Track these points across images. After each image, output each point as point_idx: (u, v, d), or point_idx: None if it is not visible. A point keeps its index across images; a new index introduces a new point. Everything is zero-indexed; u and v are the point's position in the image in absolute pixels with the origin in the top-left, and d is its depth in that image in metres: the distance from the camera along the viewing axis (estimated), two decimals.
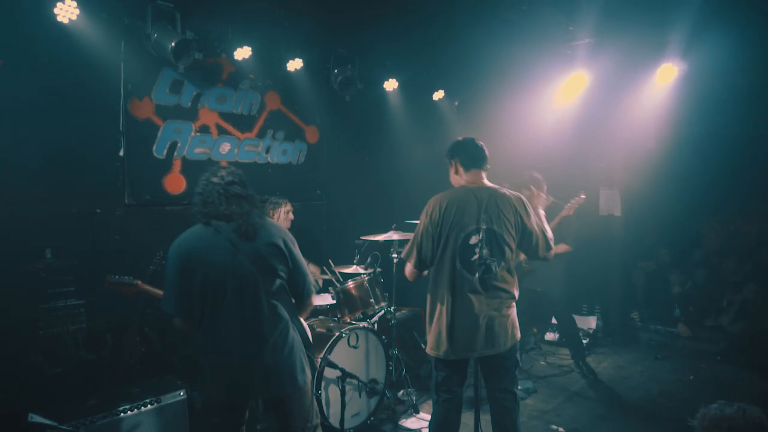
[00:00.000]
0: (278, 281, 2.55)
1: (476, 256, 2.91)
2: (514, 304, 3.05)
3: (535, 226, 3.04)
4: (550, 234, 3.10)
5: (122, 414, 3.07)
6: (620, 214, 6.45)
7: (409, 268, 3.12)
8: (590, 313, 6.49)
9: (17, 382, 3.50)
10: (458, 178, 3.11)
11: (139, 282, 3.59)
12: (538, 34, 5.27)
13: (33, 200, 3.77)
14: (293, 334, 2.59)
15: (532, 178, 4.63)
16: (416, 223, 5.48)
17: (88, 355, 3.99)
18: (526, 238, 3.02)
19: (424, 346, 5.07)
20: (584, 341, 6.01)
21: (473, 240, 2.92)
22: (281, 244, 2.56)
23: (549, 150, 6.11)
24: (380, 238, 4.57)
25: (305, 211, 5.60)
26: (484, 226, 2.92)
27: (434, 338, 3.02)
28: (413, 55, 5.97)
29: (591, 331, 6.28)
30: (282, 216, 4.62)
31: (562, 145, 6.24)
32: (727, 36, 4.67)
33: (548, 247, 3.07)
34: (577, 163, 6.48)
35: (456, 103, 7.02)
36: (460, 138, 3.19)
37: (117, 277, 3.54)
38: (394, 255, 4.59)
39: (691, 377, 5.21)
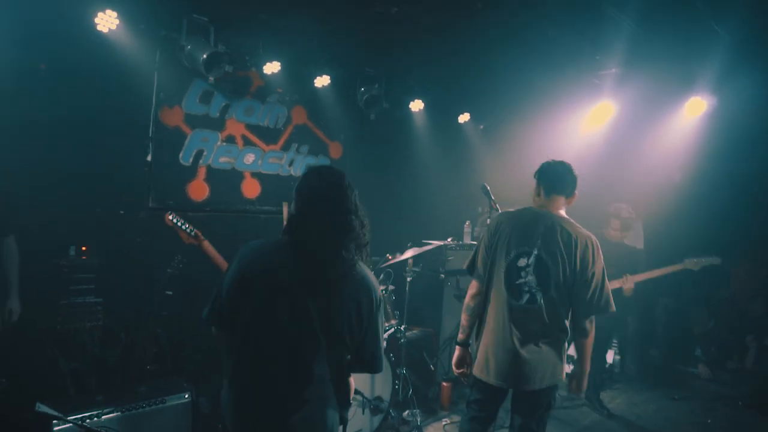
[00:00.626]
0: (342, 353, 2.05)
1: (522, 280, 2.80)
2: (559, 342, 2.83)
3: (599, 277, 2.78)
4: (608, 291, 2.81)
5: (126, 411, 3.13)
6: (642, 246, 6.32)
7: (472, 283, 3.03)
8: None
9: (32, 374, 3.61)
10: (536, 199, 2.98)
11: (200, 235, 3.58)
12: (565, 62, 5.29)
13: (61, 198, 3.92)
14: (331, 391, 2.06)
15: (616, 211, 4.62)
16: (433, 243, 5.51)
17: (103, 353, 4.09)
18: (582, 285, 2.76)
19: (433, 368, 5.07)
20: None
21: (522, 262, 2.81)
22: (363, 306, 2.01)
23: None
24: (396, 258, 4.58)
25: None
26: (535, 252, 2.79)
27: (473, 354, 3.00)
28: (440, 78, 6.04)
29: (607, 366, 6.11)
30: None
31: (587, 174, 6.16)
32: (759, 74, 4.61)
33: (605, 306, 2.79)
34: (602, 194, 6.40)
35: (481, 127, 7.05)
36: (551, 160, 3.02)
37: (178, 219, 3.57)
38: (408, 273, 4.59)
39: (709, 420, 5.02)
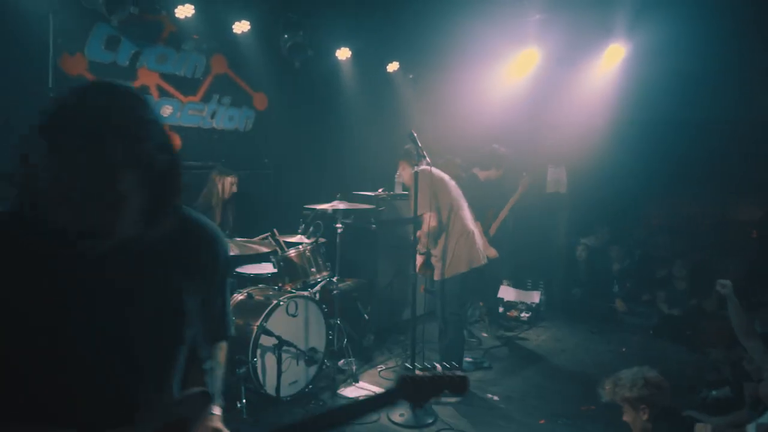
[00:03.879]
0: None
1: None
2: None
3: None
4: None
5: None
6: (566, 191, 6.59)
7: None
8: (534, 287, 6.64)
9: None
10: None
11: None
12: (491, 7, 5.25)
13: None
14: None
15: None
16: (363, 194, 5.50)
17: None
18: None
19: (367, 318, 5.13)
20: (527, 315, 6.18)
21: None
22: None
23: (500, 126, 6.14)
24: (326, 207, 4.51)
25: (252, 180, 5.47)
26: None
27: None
28: (367, 25, 5.85)
29: (534, 306, 6.43)
30: (227, 187, 4.70)
31: (512, 121, 6.30)
32: (670, 19, 4.76)
33: None
34: (527, 139, 6.56)
35: (411, 76, 6.95)
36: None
37: None
38: (338, 225, 4.55)
39: (624, 349, 5.43)
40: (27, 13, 3.84)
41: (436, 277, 4.21)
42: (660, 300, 6.18)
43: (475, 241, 4.24)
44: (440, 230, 4.15)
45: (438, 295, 4.25)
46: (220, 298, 1.38)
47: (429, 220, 4.05)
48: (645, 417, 2.53)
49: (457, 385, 1.43)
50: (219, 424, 1.31)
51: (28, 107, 4.04)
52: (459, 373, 1.44)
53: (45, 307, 1.07)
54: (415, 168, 3.83)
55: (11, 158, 1.06)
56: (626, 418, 2.66)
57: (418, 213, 3.95)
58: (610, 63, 5.64)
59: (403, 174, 4.41)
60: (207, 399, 1.28)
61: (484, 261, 4.29)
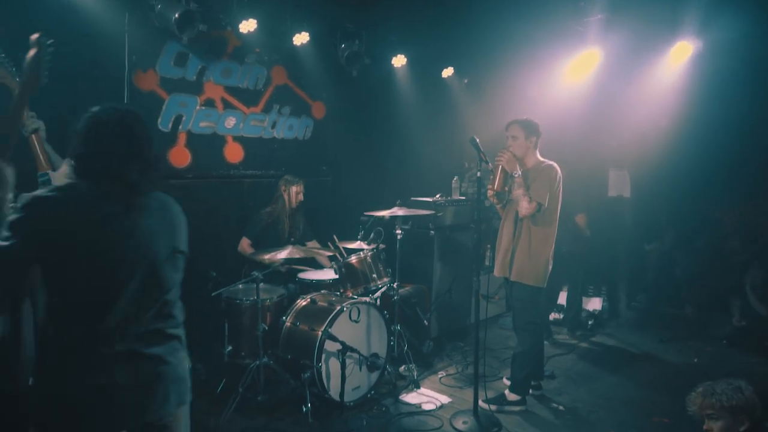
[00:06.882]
0: None
1: None
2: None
3: None
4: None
5: None
6: (629, 195, 6.36)
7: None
8: (596, 294, 6.45)
9: None
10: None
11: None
12: (549, 10, 5.16)
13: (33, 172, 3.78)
14: None
15: None
16: (421, 200, 5.48)
17: None
18: None
19: (427, 324, 5.12)
20: (589, 323, 6.00)
21: None
22: None
23: (559, 129, 5.99)
24: (384, 213, 4.55)
25: (311, 187, 5.54)
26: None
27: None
28: (422, 31, 5.87)
29: (596, 313, 6.23)
30: (293, 196, 4.82)
31: (572, 124, 6.14)
32: (744, 11, 4.54)
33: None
34: (588, 142, 6.37)
35: (465, 81, 6.92)
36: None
37: None
38: (398, 231, 4.57)
39: (695, 359, 5.18)
40: (105, 33, 4.07)
41: (512, 277, 3.90)
42: (734, 308, 5.86)
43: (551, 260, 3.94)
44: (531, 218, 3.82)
45: (510, 300, 4.15)
46: None
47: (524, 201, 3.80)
48: (744, 428, 2.41)
49: None
50: None
51: None
52: None
53: None
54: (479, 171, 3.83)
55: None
56: (715, 429, 2.51)
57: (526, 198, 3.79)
58: (676, 61, 5.41)
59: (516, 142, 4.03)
60: None
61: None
